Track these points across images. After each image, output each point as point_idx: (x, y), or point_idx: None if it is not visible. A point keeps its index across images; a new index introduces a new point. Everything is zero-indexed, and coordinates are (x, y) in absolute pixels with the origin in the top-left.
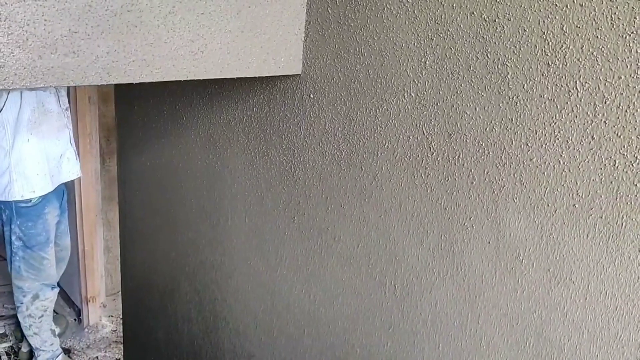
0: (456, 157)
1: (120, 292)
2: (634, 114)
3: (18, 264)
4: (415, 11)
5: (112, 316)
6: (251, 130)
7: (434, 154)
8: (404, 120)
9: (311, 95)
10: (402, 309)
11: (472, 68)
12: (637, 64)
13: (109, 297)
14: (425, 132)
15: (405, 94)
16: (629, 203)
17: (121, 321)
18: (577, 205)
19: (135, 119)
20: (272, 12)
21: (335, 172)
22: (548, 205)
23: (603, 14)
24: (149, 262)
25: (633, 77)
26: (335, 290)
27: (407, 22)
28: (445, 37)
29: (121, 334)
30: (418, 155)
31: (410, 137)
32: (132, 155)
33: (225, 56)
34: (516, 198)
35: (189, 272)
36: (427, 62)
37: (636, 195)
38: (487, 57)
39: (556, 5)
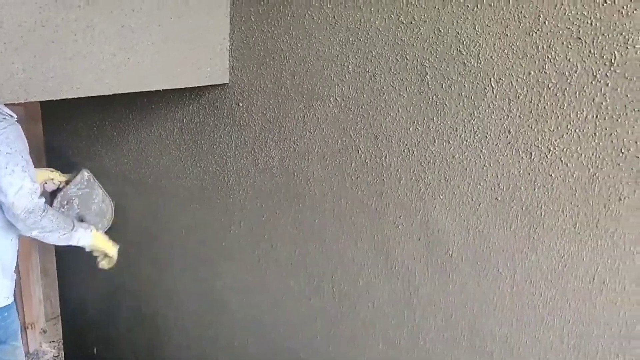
0: (383, 157)
1: (60, 316)
2: (544, 107)
3: None
4: (335, 17)
5: (53, 341)
6: (183, 142)
7: (362, 156)
8: (331, 124)
9: (240, 104)
10: (341, 311)
11: (392, 70)
12: (544, 60)
13: (49, 322)
14: (352, 135)
15: (331, 99)
16: (545, 193)
17: (62, 346)
18: (499, 198)
19: (64, 138)
20: (195, 23)
21: (268, 179)
22: (472, 199)
23: (510, 12)
24: (87, 282)
25: (541, 72)
26: (277, 297)
27: (327, 28)
28: (366, 41)
29: None
30: (347, 158)
31: (339, 140)
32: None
33: (150, 68)
34: (442, 195)
35: (129, 289)
36: (349, 67)
37: (552, 185)
38: (407, 58)
39: (467, 5)
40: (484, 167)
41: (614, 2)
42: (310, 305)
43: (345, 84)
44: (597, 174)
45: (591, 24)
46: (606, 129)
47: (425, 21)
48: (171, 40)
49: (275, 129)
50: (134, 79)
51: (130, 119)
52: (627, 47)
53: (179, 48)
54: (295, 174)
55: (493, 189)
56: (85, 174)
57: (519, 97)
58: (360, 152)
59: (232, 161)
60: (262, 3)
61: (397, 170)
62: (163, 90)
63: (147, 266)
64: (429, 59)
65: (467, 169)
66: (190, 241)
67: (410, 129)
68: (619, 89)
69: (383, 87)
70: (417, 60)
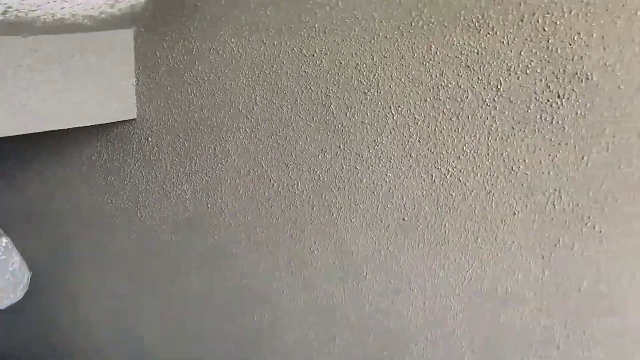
0: (295, 185)
1: None
2: (441, 131)
3: None
4: (240, 51)
5: None
6: (91, 180)
7: (275, 185)
8: (242, 154)
9: (149, 139)
10: (263, 340)
11: (298, 101)
12: (437, 87)
13: None
14: (264, 164)
15: (241, 130)
16: (448, 211)
17: None
18: (405, 219)
19: None
20: (98, 60)
21: (182, 213)
22: (382, 221)
23: (405, 43)
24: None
25: (436, 99)
26: (196, 330)
27: (233, 62)
28: (271, 73)
29: None
30: (260, 188)
31: (251, 170)
32: None
33: (53, 107)
34: (353, 218)
35: (34, 328)
36: (257, 99)
37: (453, 204)
38: (311, 89)
39: (364, 38)
40: (390, 190)
41: (496, 33)
42: (231, 336)
43: (253, 115)
44: (492, 192)
45: (477, 53)
46: (497, 149)
47: (327, 53)
48: (74, 78)
49: (186, 162)
50: (36, 118)
51: (36, 161)
52: (509, 74)
53: (83, 85)
54: (209, 205)
55: (400, 210)
56: (4, 239)
57: (417, 123)
58: (272, 181)
59: (144, 196)
60: (166, 39)
61: (309, 197)
62: (68, 128)
63: (57, 310)
64: (332, 90)
65: (375, 192)
66: (105, 277)
67: (319, 156)
68: (506, 112)
69: (290, 118)
70: (322, 91)
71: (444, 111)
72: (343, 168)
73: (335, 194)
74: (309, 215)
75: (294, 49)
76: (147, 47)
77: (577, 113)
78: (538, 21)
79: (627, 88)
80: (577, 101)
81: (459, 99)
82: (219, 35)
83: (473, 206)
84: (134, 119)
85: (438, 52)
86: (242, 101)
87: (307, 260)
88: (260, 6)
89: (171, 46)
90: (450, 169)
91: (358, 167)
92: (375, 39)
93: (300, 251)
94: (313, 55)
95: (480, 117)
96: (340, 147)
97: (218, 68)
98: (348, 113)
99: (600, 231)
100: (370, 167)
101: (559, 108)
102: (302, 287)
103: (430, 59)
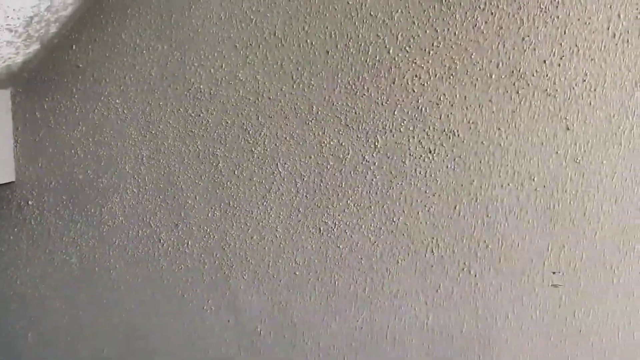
0: (185, 245)
1: None
2: (326, 186)
3: None
4: (125, 110)
5: None
6: None
7: (164, 245)
8: (130, 215)
9: (30, 202)
10: None
11: (186, 160)
12: (320, 144)
13: None
14: (152, 225)
15: (128, 190)
16: (336, 263)
17: None
18: (297, 273)
19: None
20: None
21: (67, 280)
22: (274, 276)
23: (288, 104)
24: None
25: (320, 155)
26: None
27: (118, 122)
28: (157, 133)
29: None
30: (149, 249)
31: (139, 231)
32: None
33: None
34: (246, 275)
35: None
36: (143, 158)
37: (341, 255)
38: (199, 149)
39: (249, 99)
40: (281, 245)
41: (371, 95)
42: None
43: (140, 175)
44: (377, 242)
45: (356, 113)
46: (379, 202)
47: (213, 114)
48: None
49: (70, 225)
50: None
51: None
52: (385, 132)
53: None
54: (96, 269)
55: (291, 264)
56: None
57: (304, 179)
58: (162, 241)
59: (25, 263)
60: (47, 99)
61: (201, 255)
62: None
63: None
64: (219, 149)
65: (266, 248)
66: None
67: (209, 214)
68: (384, 167)
69: (179, 177)
70: (209, 150)
71: (328, 167)
72: (233, 225)
73: (226, 251)
74: (200, 273)
75: (180, 109)
76: (26, 108)
77: (447, 166)
78: (408, 83)
79: (489, 143)
80: (447, 156)
81: (341, 156)
82: (103, 96)
83: (360, 257)
84: (13, 182)
85: (319, 112)
86: (129, 161)
87: (200, 321)
88: (145, 67)
89: (52, 107)
90: (336, 222)
91: (248, 224)
92: (259, 99)
93: (193, 312)
94: (199, 115)
95: (362, 172)
96: (229, 204)
97: (103, 129)
98: (236, 171)
99: (475, 275)
100: (261, 223)
101: (431, 162)
102: (195, 349)
103: (313, 119)
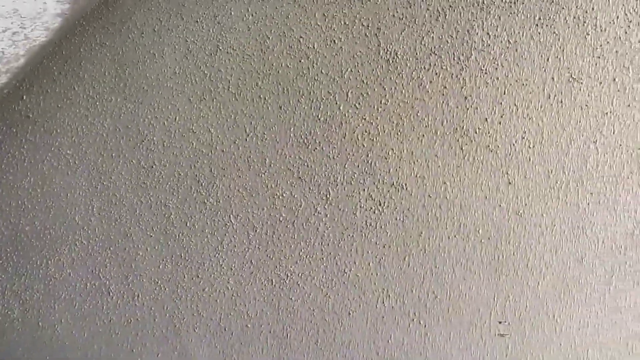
0: (135, 298)
1: None
2: (279, 237)
3: None
4: (76, 161)
5: None
6: None
7: (114, 298)
8: (78, 268)
9: None
10: None
11: (138, 212)
12: (273, 197)
13: None
14: (102, 277)
15: (77, 242)
16: (288, 315)
17: None
18: (249, 325)
19: None
20: None
21: (9, 333)
22: (225, 329)
23: (240, 156)
24: None
25: (273, 207)
26: None
27: (69, 173)
28: (109, 184)
29: None
30: (98, 301)
31: (88, 284)
32: None
33: None
34: (197, 328)
35: None
36: (94, 210)
37: (293, 307)
38: (151, 200)
39: (202, 151)
40: (233, 297)
41: (322, 149)
42: None
43: (90, 226)
44: (328, 294)
45: (308, 166)
46: (330, 254)
47: (166, 165)
48: None
49: (14, 278)
50: None
51: None
52: (337, 185)
53: None
54: (40, 323)
55: (242, 317)
56: None
57: (256, 231)
58: (111, 294)
59: None
60: None
61: (151, 308)
62: None
63: None
64: (171, 200)
65: (218, 300)
66: None
67: (160, 266)
68: (335, 219)
69: (130, 228)
70: (161, 202)
71: (280, 219)
72: (185, 277)
73: (177, 303)
74: (150, 326)
75: (132, 161)
76: None
77: (396, 219)
78: (358, 138)
79: (435, 196)
80: (396, 208)
81: (293, 208)
82: (54, 147)
83: (312, 309)
84: None
85: (272, 165)
86: (79, 212)
87: None
88: (98, 118)
89: (0, 157)
90: (289, 274)
91: (200, 276)
92: (212, 152)
93: None
94: (152, 167)
95: (314, 224)
96: (181, 256)
97: (52, 179)
98: (188, 223)
99: (425, 325)
100: (213, 275)
101: (381, 214)
102: None
103: (266, 171)
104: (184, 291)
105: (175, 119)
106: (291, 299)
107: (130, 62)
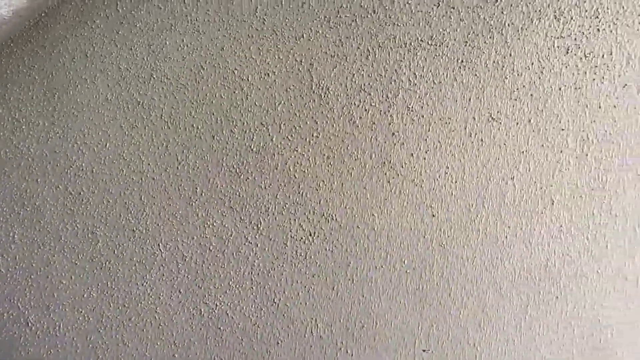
0: (56, 328)
1: None
2: (208, 267)
3: None
4: None
5: None
6: None
7: (33, 329)
8: None
9: None
10: None
11: (63, 239)
12: (204, 225)
13: None
14: (21, 306)
15: None
16: (216, 345)
17: None
18: (176, 356)
19: None
20: None
21: None
22: None
23: (172, 184)
24: None
25: (202, 236)
26: None
27: None
28: (33, 210)
29: None
30: (15, 332)
31: (5, 314)
32: None
33: None
34: (122, 359)
35: None
36: (15, 236)
37: (222, 337)
38: (77, 227)
39: (132, 178)
40: (160, 327)
41: (255, 179)
42: None
43: (10, 254)
44: (257, 323)
45: (239, 196)
46: (260, 283)
47: (94, 192)
48: None
49: None
50: None
51: None
52: (268, 215)
53: None
54: None
55: (170, 347)
56: None
57: (185, 260)
58: (30, 324)
59: None
60: None
61: (73, 339)
62: None
63: None
64: (99, 227)
65: (144, 330)
66: None
67: (85, 295)
68: (266, 249)
69: (53, 256)
70: (88, 229)
71: (210, 248)
72: (110, 306)
73: (102, 334)
74: (72, 359)
75: (59, 187)
76: None
77: (326, 249)
78: (290, 169)
79: (364, 227)
80: (325, 238)
81: (223, 237)
82: None
83: (240, 338)
84: None
85: (203, 194)
86: (0, 240)
87: None
88: (24, 142)
89: None
90: (217, 304)
91: (127, 305)
92: (143, 179)
93: None
94: (80, 194)
95: (244, 254)
96: (107, 284)
97: None
98: (116, 250)
99: (352, 355)
100: (140, 305)
101: (311, 244)
102: None
103: (197, 200)
104: (109, 321)
105: (106, 145)
106: (219, 328)
107: (60, 86)
